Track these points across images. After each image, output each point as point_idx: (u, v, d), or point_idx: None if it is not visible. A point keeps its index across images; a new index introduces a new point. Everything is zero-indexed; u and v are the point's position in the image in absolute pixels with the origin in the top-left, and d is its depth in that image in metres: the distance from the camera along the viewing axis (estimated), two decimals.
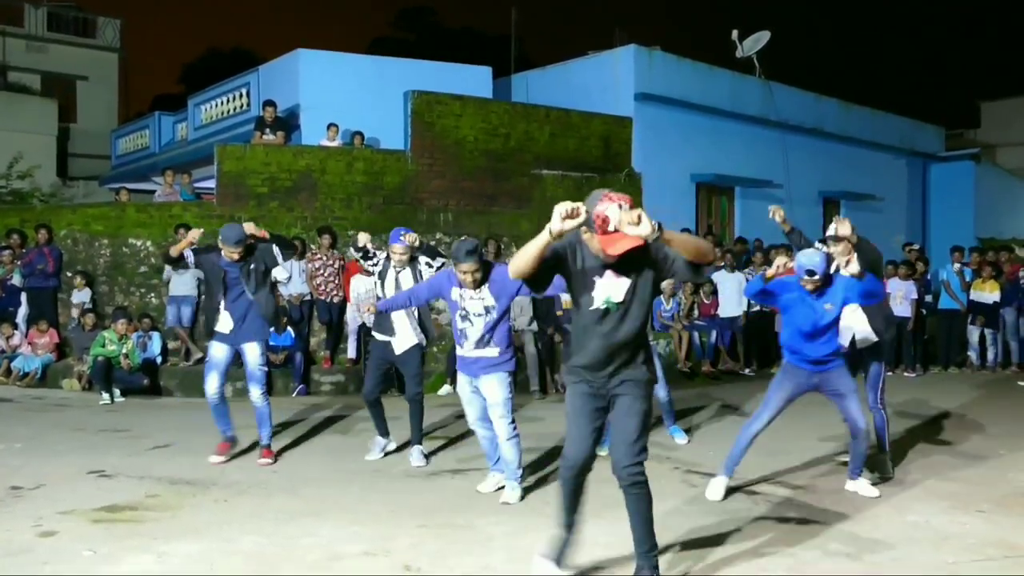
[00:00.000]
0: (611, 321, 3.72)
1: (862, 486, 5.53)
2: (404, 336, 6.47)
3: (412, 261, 6.43)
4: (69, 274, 11.28)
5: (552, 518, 4.98)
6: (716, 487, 5.46)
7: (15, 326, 10.84)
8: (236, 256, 6.31)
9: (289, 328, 10.43)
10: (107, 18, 28.34)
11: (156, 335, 10.62)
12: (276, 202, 11.67)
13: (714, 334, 12.10)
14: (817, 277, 5.17)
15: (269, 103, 13.14)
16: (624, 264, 3.63)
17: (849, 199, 17.68)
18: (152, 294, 11.43)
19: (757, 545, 4.50)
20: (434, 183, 12.41)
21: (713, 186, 15.56)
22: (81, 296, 11.06)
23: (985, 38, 39.14)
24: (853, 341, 5.91)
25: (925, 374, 12.47)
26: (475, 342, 5.41)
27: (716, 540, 4.57)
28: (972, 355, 13.03)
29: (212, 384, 6.40)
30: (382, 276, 6.48)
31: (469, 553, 4.37)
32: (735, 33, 16.36)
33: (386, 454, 6.69)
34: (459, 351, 5.54)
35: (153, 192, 14.96)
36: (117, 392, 9.65)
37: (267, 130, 12.89)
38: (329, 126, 12.93)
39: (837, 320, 5.33)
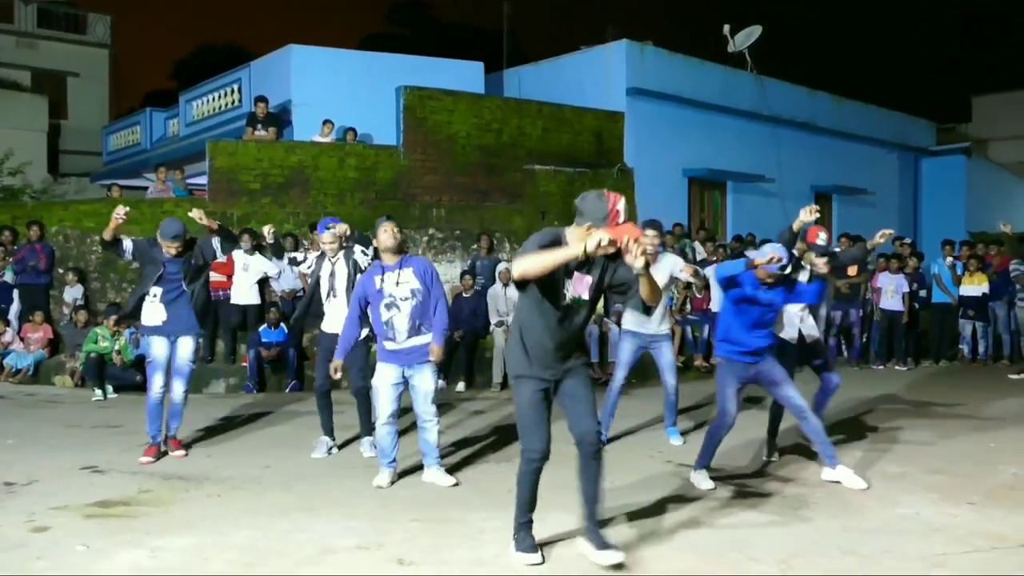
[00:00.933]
0: (571, 316, 4.05)
1: (843, 474, 5.53)
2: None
3: (346, 252, 6.57)
4: (61, 271, 11.25)
5: (542, 512, 5.02)
6: (700, 479, 5.56)
7: (7, 323, 10.81)
8: (174, 251, 6.37)
9: (282, 324, 10.42)
10: (97, 14, 28.23)
11: None
12: (268, 198, 11.66)
13: (707, 328, 12.12)
14: (784, 263, 5.33)
15: (261, 99, 13.12)
16: (592, 265, 3.99)
17: (841, 193, 17.74)
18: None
19: (746, 537, 4.52)
20: (427, 178, 12.41)
21: (705, 181, 15.59)
22: (73, 293, 11.04)
23: (976, 33, 39.27)
24: (801, 338, 6.14)
25: (917, 367, 12.53)
26: (407, 331, 5.46)
27: (703, 533, 4.59)
28: (964, 348, 13.10)
29: (158, 384, 6.39)
30: (316, 274, 6.61)
31: (461, 547, 4.39)
32: (727, 28, 16.36)
33: (329, 452, 6.58)
34: (388, 345, 5.52)
35: (145, 189, 14.92)
36: (110, 388, 9.63)
37: (259, 126, 12.87)
38: (324, 122, 12.92)
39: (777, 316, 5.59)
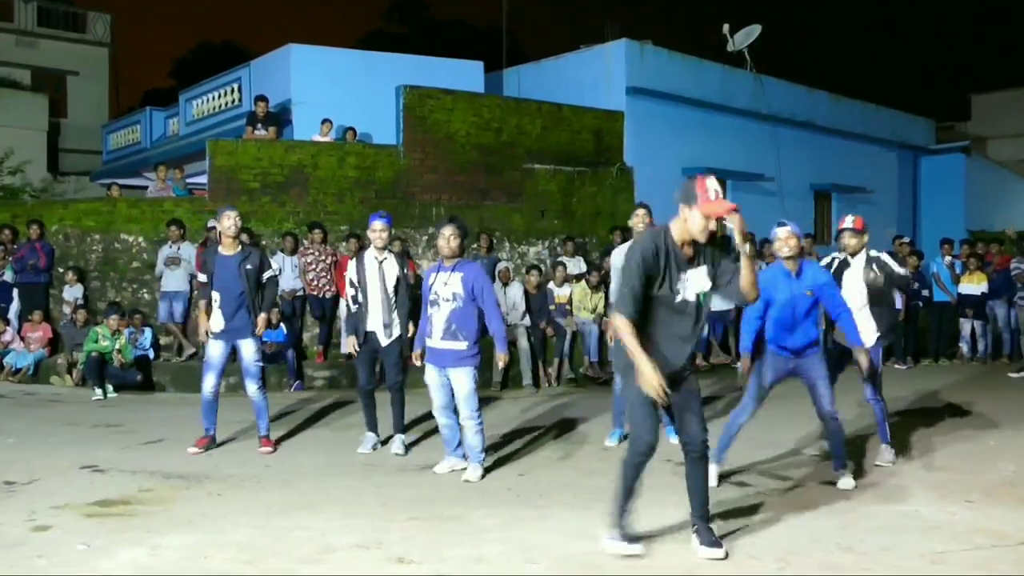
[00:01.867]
0: (692, 313, 4.08)
1: (842, 479, 5.50)
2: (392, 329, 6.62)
3: (399, 255, 6.80)
4: (61, 270, 11.25)
5: (543, 510, 5.03)
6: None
7: (7, 322, 10.81)
8: (230, 246, 6.58)
9: (281, 323, 10.43)
10: (97, 13, 28.22)
11: (148, 330, 10.62)
12: (268, 197, 11.66)
13: (706, 328, 12.13)
14: (796, 243, 5.44)
15: (261, 98, 13.12)
16: (699, 257, 4.08)
17: (840, 192, 17.74)
18: (144, 290, 11.41)
19: (747, 535, 4.53)
20: (426, 177, 12.41)
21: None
22: (73, 292, 11.04)
23: (976, 31, 39.28)
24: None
25: (916, 366, 12.54)
26: (441, 331, 5.69)
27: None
28: (963, 347, 13.11)
29: (209, 383, 6.67)
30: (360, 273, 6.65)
31: (461, 545, 4.39)
32: (726, 27, 16.35)
33: (374, 448, 6.72)
34: (428, 341, 5.82)
35: (144, 188, 14.93)
36: (110, 388, 9.64)
37: (259, 125, 12.87)
38: (323, 121, 12.92)
39: (814, 308, 5.49)
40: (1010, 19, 38.24)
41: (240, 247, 6.62)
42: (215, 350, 6.59)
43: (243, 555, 4.23)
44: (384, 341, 6.57)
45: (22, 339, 10.70)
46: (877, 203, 18.37)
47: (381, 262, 6.56)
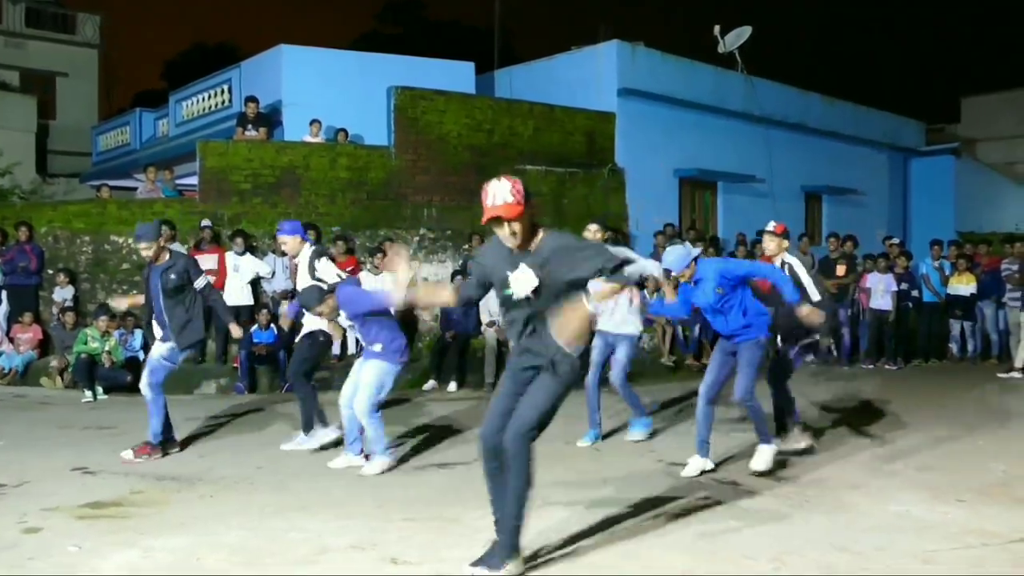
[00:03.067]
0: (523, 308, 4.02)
1: (762, 454, 5.89)
2: (310, 323, 6.87)
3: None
4: (51, 271, 11.20)
5: (535, 510, 5.02)
6: (692, 466, 5.87)
7: None
8: (147, 255, 6.64)
9: (272, 324, 10.39)
10: (87, 14, 28.08)
11: (138, 332, 10.57)
12: (259, 198, 11.63)
13: (697, 328, 12.15)
14: (674, 275, 5.93)
15: (251, 99, 13.08)
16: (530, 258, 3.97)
17: (831, 193, 17.82)
18: (134, 291, 11.33)
19: (740, 535, 4.54)
20: (418, 178, 12.40)
21: (696, 181, 15.63)
22: (64, 293, 10.99)
23: (966, 34, 39.51)
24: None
25: (906, 367, 12.59)
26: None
27: (697, 531, 4.60)
28: (952, 347, 13.18)
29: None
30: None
31: (457, 546, 4.38)
32: (717, 29, 16.42)
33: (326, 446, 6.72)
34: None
35: (134, 189, 14.86)
36: (100, 390, 9.59)
37: (249, 126, 12.83)
38: (312, 122, 12.89)
39: (733, 300, 5.87)
40: (1000, 22, 38.51)
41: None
42: None
43: (236, 557, 4.21)
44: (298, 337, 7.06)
45: (11, 341, 10.64)
46: (868, 204, 18.46)
47: (296, 266, 7.02)
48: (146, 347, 10.62)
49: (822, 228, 17.42)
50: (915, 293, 13.12)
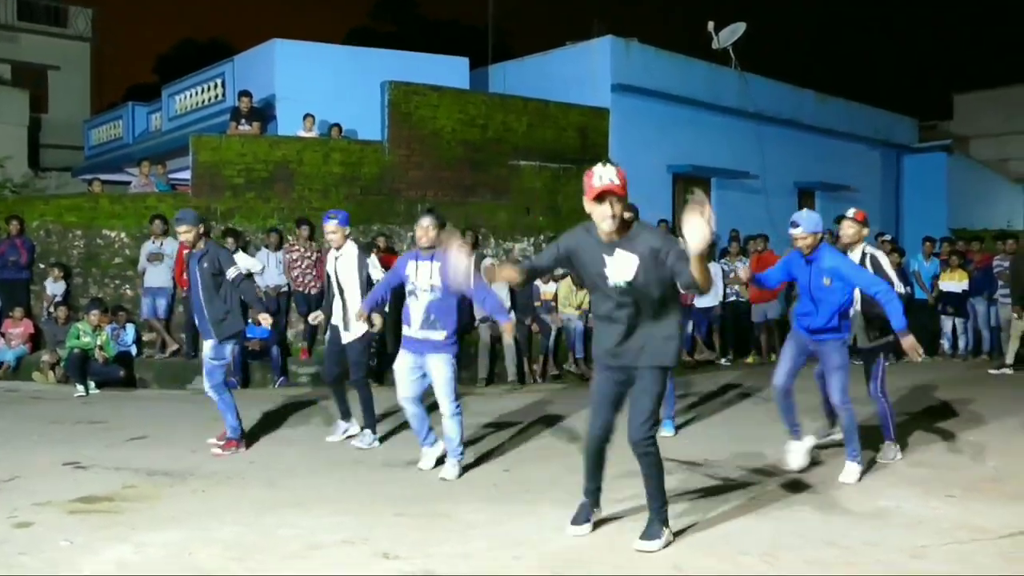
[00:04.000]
0: (619, 298, 4.11)
1: (851, 469, 5.58)
2: (354, 326, 6.67)
3: (360, 252, 6.82)
4: (42, 266, 11.16)
5: (529, 506, 5.04)
6: (795, 453, 5.74)
7: None
8: (186, 240, 6.61)
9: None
10: (79, 7, 27.93)
11: (131, 326, 10.55)
12: (252, 193, 11.60)
13: (691, 324, 12.16)
14: (801, 230, 5.46)
15: (245, 93, 13.04)
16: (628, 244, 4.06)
17: (824, 190, 17.84)
18: (127, 286, 11.32)
19: (732, 530, 4.55)
20: (411, 174, 12.38)
21: (690, 177, 15.62)
22: (55, 288, 10.95)
23: (958, 31, 39.57)
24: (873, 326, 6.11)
25: (897, 363, 12.61)
26: (420, 322, 5.65)
27: (691, 525, 4.62)
28: (944, 344, 13.23)
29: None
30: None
31: (448, 541, 4.39)
32: (711, 25, 16.43)
33: (348, 437, 6.92)
34: (404, 330, 5.78)
35: (127, 183, 14.81)
36: (92, 384, 9.57)
37: (243, 120, 12.80)
38: (305, 116, 12.85)
39: (834, 296, 5.50)
40: (992, 20, 38.61)
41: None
42: None
43: (229, 552, 4.21)
44: (345, 338, 6.74)
45: (2, 335, 10.60)
46: (860, 201, 18.39)
47: (336, 259, 6.74)
48: (139, 342, 10.66)
49: None
50: (907, 289, 13.15)
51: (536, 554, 4.18)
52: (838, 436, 6.12)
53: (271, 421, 7.77)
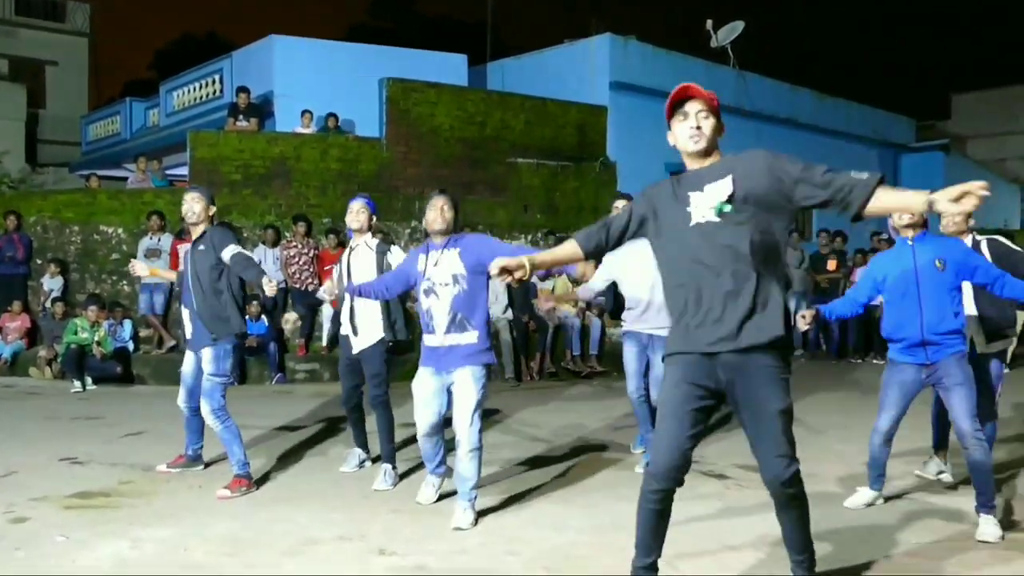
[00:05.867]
0: (723, 247, 2.98)
1: (987, 527, 4.37)
2: (366, 331, 5.54)
3: (379, 244, 5.68)
4: (39, 261, 11.15)
5: (525, 503, 5.04)
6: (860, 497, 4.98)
7: None
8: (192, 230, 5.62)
9: (263, 316, 10.39)
10: (77, 2, 27.90)
11: (128, 322, 10.55)
12: (250, 189, 11.60)
13: None
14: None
15: (243, 89, 13.04)
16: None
17: None
18: (124, 281, 11.33)
19: (725, 528, 4.56)
20: (409, 171, 12.39)
21: None
22: (52, 283, 10.94)
23: (956, 31, 39.64)
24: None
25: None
26: (446, 324, 4.60)
27: (683, 524, 4.62)
28: None
29: (180, 398, 5.79)
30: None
31: (443, 537, 4.40)
32: (709, 23, 16.45)
33: (361, 465, 5.90)
34: (427, 340, 4.72)
35: (124, 179, 14.81)
36: (89, 380, 9.57)
37: (240, 117, 12.80)
38: (303, 113, 12.86)
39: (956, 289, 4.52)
40: (990, 19, 38.66)
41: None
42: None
43: (225, 548, 4.21)
44: (355, 347, 5.57)
45: (0, 330, 10.60)
46: None
47: (352, 249, 5.62)
48: (136, 338, 10.67)
49: (812, 223, 17.48)
50: None
51: (531, 551, 4.19)
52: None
53: (268, 418, 7.77)
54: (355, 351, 5.55)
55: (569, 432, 7.14)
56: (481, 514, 4.74)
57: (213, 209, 5.58)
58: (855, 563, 4.08)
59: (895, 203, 3.15)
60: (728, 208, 3.00)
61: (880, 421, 4.83)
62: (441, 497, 5.08)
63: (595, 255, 3.35)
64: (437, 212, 4.71)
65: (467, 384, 4.58)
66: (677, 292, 3.11)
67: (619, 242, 3.26)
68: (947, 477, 5.54)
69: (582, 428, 7.29)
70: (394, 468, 5.49)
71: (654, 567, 3.19)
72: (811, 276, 13.04)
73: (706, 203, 3.03)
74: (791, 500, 3.12)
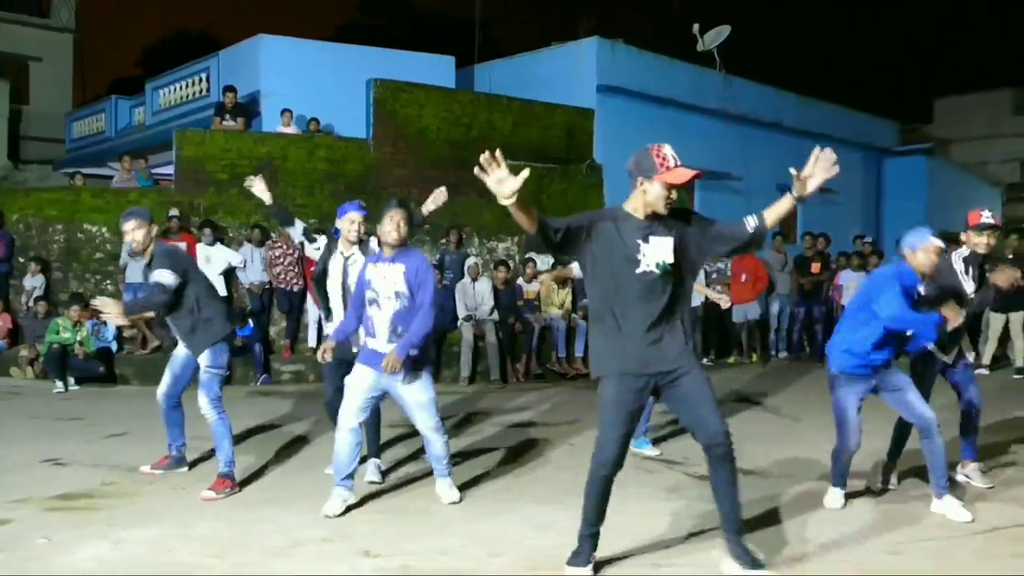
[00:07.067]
0: (659, 288, 3.70)
1: (951, 507, 4.82)
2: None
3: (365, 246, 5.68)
4: (21, 260, 11.07)
5: (508, 504, 5.06)
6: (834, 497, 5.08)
7: None
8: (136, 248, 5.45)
9: (248, 318, 10.36)
10: None
11: (111, 322, 10.47)
12: (236, 188, 11.51)
13: None
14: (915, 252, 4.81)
15: (229, 88, 12.99)
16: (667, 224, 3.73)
17: None
18: (108, 281, 11.25)
19: (707, 527, 4.59)
20: (396, 172, 12.37)
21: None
22: (34, 282, 10.86)
23: (939, 36, 39.95)
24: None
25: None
26: (387, 335, 4.81)
27: (665, 523, 4.65)
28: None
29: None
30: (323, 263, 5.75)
31: (426, 537, 4.41)
32: (696, 27, 16.53)
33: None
34: (369, 342, 4.91)
35: (109, 177, 14.71)
36: (72, 380, 9.52)
37: (227, 116, 12.75)
38: (283, 112, 12.81)
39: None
40: (974, 24, 38.97)
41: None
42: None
43: (209, 548, 4.21)
44: (354, 350, 5.48)
45: None
46: (842, 203, 18.62)
47: (347, 258, 5.63)
48: (120, 338, 10.60)
49: (797, 226, 17.59)
50: None
51: (514, 551, 4.21)
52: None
53: (252, 418, 7.75)
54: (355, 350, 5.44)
55: (553, 434, 7.16)
56: (465, 515, 4.76)
57: (155, 228, 5.45)
58: (837, 563, 4.12)
59: (777, 211, 3.79)
60: (669, 267, 3.70)
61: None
62: (423, 498, 5.09)
63: (544, 233, 3.69)
64: (393, 225, 4.80)
65: (416, 384, 4.90)
66: (605, 309, 3.77)
67: (567, 239, 3.71)
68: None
69: (567, 430, 7.30)
70: (380, 465, 5.68)
71: (598, 533, 3.88)
72: (795, 278, 13.14)
73: (652, 258, 3.68)
74: (728, 454, 3.71)
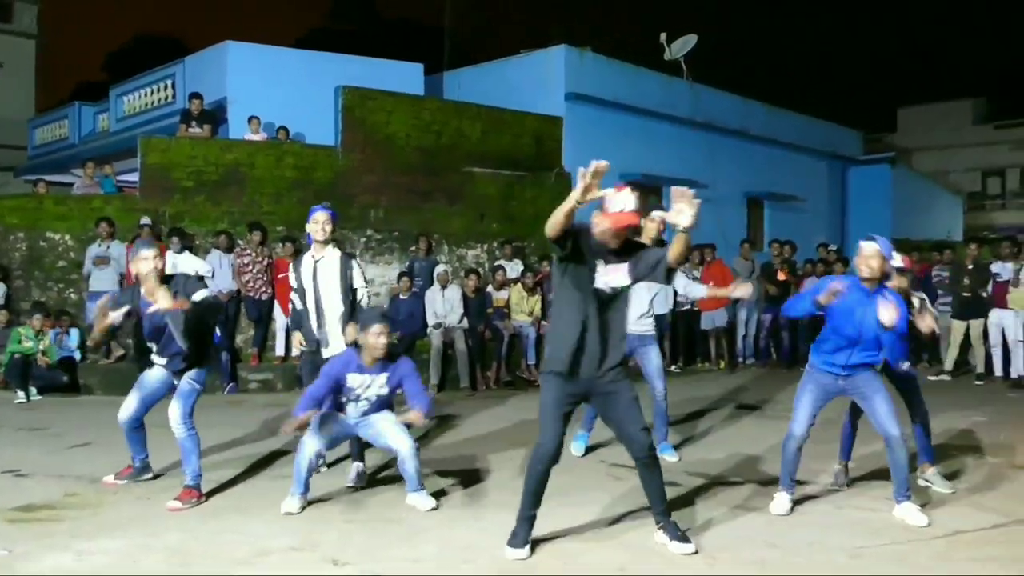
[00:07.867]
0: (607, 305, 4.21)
1: (910, 512, 4.94)
2: (337, 345, 5.77)
3: (344, 256, 5.93)
4: None
5: (480, 511, 5.06)
6: (780, 503, 5.12)
7: None
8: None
9: (215, 326, 10.24)
10: (24, 3, 27.29)
11: (75, 331, 10.31)
12: (203, 196, 11.45)
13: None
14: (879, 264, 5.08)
15: (195, 95, 12.87)
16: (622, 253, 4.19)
17: (772, 200, 18.20)
18: (71, 289, 11.08)
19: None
20: (365, 179, 12.33)
21: (641, 186, 15.77)
22: None
23: (902, 46, 40.68)
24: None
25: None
26: (360, 414, 5.28)
27: (632, 529, 4.68)
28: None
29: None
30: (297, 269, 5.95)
31: (397, 546, 4.40)
32: (663, 36, 16.69)
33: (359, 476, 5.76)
34: (347, 409, 5.25)
35: (72, 185, 14.50)
36: (34, 390, 9.35)
37: (193, 123, 12.63)
38: (250, 119, 12.71)
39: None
40: (936, 34, 39.74)
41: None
42: None
43: (174, 559, 4.16)
44: (324, 354, 5.75)
45: None
46: (807, 211, 18.90)
47: (317, 261, 5.77)
48: (83, 347, 10.44)
49: (764, 234, 17.80)
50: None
51: (486, 559, 4.21)
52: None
53: (219, 427, 7.66)
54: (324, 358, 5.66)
55: (524, 441, 7.14)
56: (436, 523, 4.75)
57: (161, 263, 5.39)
58: (801, 566, 4.17)
59: (675, 249, 4.08)
60: (620, 289, 4.23)
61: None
62: (394, 507, 5.07)
63: (565, 228, 4.05)
64: (376, 339, 5.06)
65: (388, 425, 5.25)
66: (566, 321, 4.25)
67: (568, 236, 4.07)
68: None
69: (536, 437, 7.29)
70: (364, 467, 5.79)
71: (536, 516, 4.30)
72: (762, 284, 13.27)
73: (606, 279, 4.17)
74: (655, 461, 4.35)
